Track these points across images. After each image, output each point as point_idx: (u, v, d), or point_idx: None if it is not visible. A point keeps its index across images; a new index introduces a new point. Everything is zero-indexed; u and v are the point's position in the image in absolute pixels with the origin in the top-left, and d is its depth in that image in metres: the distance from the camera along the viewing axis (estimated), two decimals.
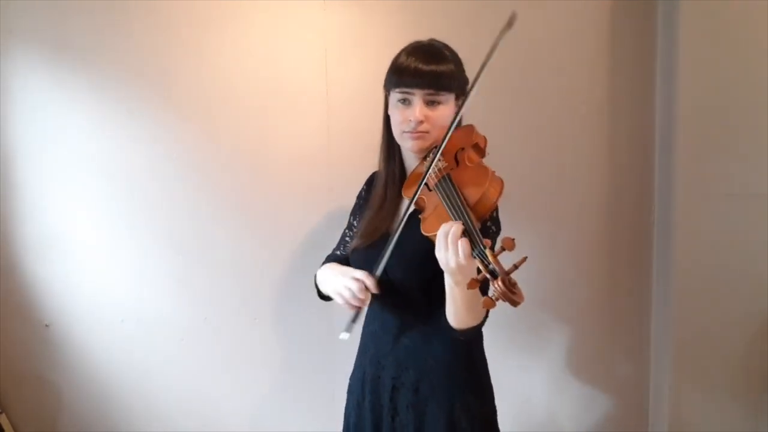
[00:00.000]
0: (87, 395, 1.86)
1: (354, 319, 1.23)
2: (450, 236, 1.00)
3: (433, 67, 1.18)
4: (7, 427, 1.81)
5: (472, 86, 1.12)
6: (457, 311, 1.13)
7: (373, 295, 1.21)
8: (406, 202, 1.28)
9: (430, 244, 1.08)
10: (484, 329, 1.25)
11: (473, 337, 1.21)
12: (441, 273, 1.12)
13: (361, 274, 1.20)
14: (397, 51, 1.27)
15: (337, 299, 1.23)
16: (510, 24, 1.06)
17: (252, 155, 1.79)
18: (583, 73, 1.84)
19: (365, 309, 1.24)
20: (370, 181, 1.47)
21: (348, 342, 1.48)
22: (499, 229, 1.25)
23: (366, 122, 1.76)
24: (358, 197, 1.48)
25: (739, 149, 1.77)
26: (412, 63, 1.19)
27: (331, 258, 1.46)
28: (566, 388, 1.99)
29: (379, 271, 1.19)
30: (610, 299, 1.96)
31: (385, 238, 1.27)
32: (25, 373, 1.84)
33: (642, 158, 1.89)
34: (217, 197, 1.81)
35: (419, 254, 1.17)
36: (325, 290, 1.32)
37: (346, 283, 1.20)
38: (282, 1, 1.73)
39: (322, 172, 1.80)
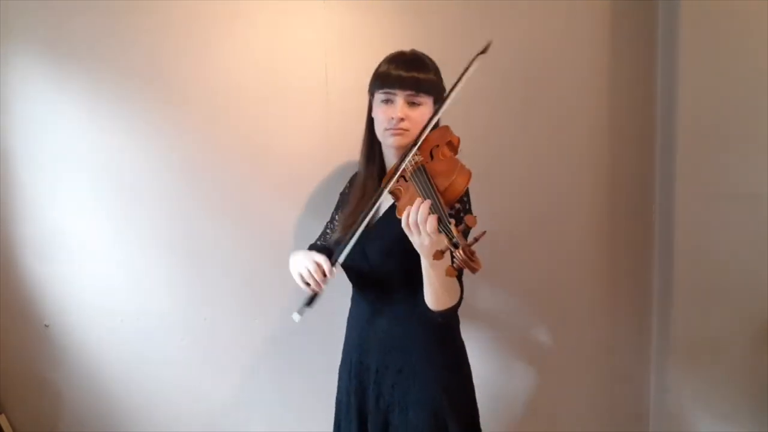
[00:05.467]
0: (86, 395, 1.86)
1: (308, 302, 1.28)
2: (419, 215, 1.07)
3: (413, 74, 1.28)
4: (6, 427, 1.81)
5: (445, 99, 1.24)
6: (434, 292, 1.20)
7: (354, 283, 1.33)
8: (384, 195, 1.33)
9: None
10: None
11: (450, 317, 1.28)
12: (417, 257, 1.18)
13: (319, 257, 1.26)
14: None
15: (296, 279, 1.30)
16: (485, 50, 1.20)
17: (251, 154, 1.79)
18: (584, 73, 1.84)
19: (321, 293, 1.28)
20: (353, 180, 1.53)
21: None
22: (466, 210, 1.30)
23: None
24: (341, 194, 1.56)
25: (739, 150, 1.77)
26: (394, 70, 1.29)
27: (311, 248, 1.51)
28: (566, 388, 1.99)
29: (341, 257, 1.26)
30: (611, 299, 1.96)
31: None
32: (24, 373, 1.84)
33: (643, 158, 1.89)
34: (217, 197, 1.81)
35: (396, 240, 1.22)
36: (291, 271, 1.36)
37: (306, 264, 1.27)
38: (282, 0, 1.73)
39: (321, 171, 1.80)
